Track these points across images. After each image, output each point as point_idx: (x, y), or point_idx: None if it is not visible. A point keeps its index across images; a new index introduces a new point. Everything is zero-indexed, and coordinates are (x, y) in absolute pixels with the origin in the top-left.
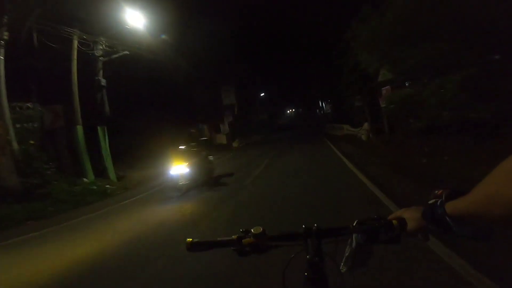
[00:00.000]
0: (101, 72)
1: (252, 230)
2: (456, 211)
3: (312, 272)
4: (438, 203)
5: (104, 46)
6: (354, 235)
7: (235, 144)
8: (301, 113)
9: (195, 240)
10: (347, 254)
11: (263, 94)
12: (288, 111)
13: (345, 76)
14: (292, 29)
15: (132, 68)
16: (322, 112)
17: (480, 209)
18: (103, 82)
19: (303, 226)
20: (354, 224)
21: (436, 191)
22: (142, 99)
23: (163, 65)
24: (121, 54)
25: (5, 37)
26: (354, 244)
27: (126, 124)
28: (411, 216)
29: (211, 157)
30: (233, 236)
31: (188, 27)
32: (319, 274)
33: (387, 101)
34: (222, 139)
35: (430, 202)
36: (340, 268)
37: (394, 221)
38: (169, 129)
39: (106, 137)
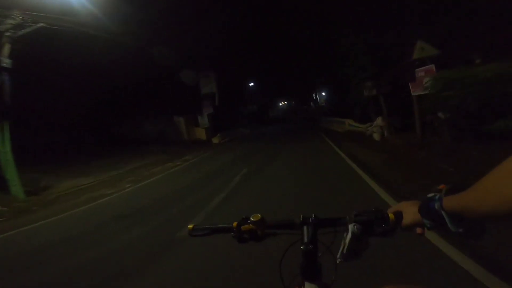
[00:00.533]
0: (4, 50)
1: (252, 218)
2: (453, 205)
3: (306, 261)
4: (436, 197)
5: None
6: (350, 226)
7: (215, 140)
8: (294, 105)
9: (196, 225)
10: (342, 245)
11: (252, 84)
12: (281, 104)
13: (352, 60)
14: (286, 5)
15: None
16: (316, 105)
17: (477, 204)
18: (6, 63)
19: (301, 215)
20: (351, 215)
21: (438, 186)
22: (93, 89)
23: (123, 47)
24: (34, 27)
25: None
26: (349, 235)
27: (68, 120)
28: (408, 210)
29: None
30: (233, 223)
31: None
32: (313, 262)
33: (433, 86)
34: (201, 133)
35: (429, 196)
36: (336, 258)
37: (391, 215)
38: (132, 123)
39: (6, 137)
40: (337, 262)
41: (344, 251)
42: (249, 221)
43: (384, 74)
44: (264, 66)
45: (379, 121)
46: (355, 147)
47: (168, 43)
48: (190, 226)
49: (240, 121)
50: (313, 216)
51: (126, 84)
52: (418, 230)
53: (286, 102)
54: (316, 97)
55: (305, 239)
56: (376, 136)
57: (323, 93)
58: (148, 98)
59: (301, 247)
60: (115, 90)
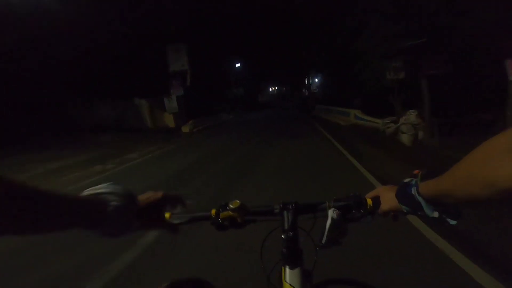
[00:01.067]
0: None
1: (231, 205)
2: (429, 190)
3: (287, 247)
4: (413, 182)
5: None
6: (329, 212)
7: (185, 129)
8: (285, 91)
9: (174, 213)
10: (323, 232)
11: (239, 65)
12: (271, 89)
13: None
14: None
15: None
16: (308, 91)
17: (454, 188)
18: None
19: (281, 201)
20: (330, 201)
21: (414, 171)
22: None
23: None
24: None
25: None
26: (329, 221)
27: None
28: (386, 195)
29: None
30: (212, 210)
31: None
32: (293, 249)
33: None
34: (169, 120)
35: (405, 180)
36: (316, 244)
37: (368, 200)
38: (86, 106)
39: None
40: (317, 249)
41: (325, 238)
42: (228, 208)
43: (437, 47)
44: (253, 44)
45: (411, 117)
46: (378, 155)
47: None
48: (167, 214)
49: (223, 105)
50: (293, 202)
51: (76, 61)
52: (393, 216)
53: (276, 88)
54: (308, 83)
55: (286, 226)
56: (406, 139)
57: (316, 80)
58: (105, 77)
59: (282, 233)
60: (62, 68)
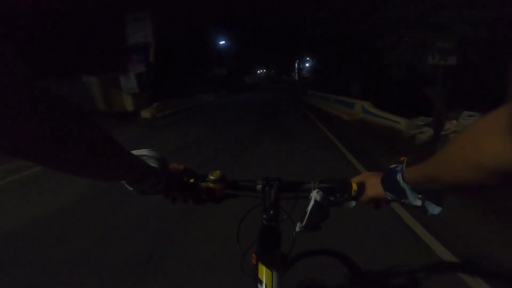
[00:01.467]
0: None
1: (211, 176)
2: (414, 176)
3: (266, 227)
4: (398, 168)
5: None
6: (313, 193)
7: (145, 114)
8: (273, 74)
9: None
10: (304, 213)
11: (223, 42)
12: (259, 71)
13: None
14: None
15: None
16: (299, 75)
17: (439, 172)
18: None
19: (264, 177)
20: (315, 182)
21: (401, 158)
22: None
23: None
24: None
25: None
26: (312, 202)
27: None
28: (371, 180)
29: None
30: (190, 180)
31: None
32: (272, 229)
33: None
34: (128, 102)
35: (391, 167)
36: (296, 226)
37: (354, 184)
38: None
39: None
40: (297, 230)
41: (305, 220)
42: (207, 179)
43: None
44: (241, 20)
45: (469, 122)
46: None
47: None
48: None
49: (204, 86)
50: (277, 178)
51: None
52: (376, 204)
53: (264, 70)
54: (299, 66)
55: (267, 203)
56: None
57: (307, 64)
58: (46, 50)
59: (262, 213)
60: None
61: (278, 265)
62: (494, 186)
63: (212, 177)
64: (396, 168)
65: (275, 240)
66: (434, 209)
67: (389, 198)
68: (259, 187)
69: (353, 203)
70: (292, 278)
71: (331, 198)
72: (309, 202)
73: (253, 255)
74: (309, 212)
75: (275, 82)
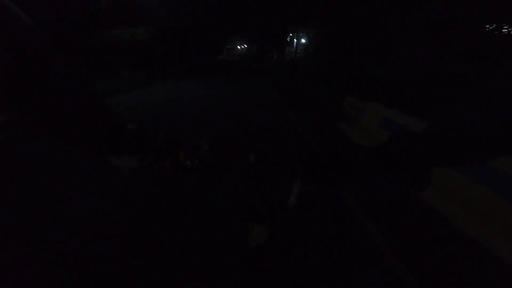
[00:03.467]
0: None
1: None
2: (405, 148)
3: (257, 201)
4: (392, 140)
5: None
6: (296, 181)
7: None
8: (256, 51)
9: None
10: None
11: None
12: (239, 47)
13: None
14: None
15: None
16: (295, 53)
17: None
18: None
19: (253, 155)
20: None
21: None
22: None
23: None
24: None
25: None
26: (299, 185)
27: None
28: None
29: None
30: (180, 153)
31: None
32: (264, 204)
33: None
34: None
35: (383, 143)
36: (287, 202)
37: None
38: None
39: None
40: (287, 204)
41: (294, 198)
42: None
43: None
44: None
45: None
46: None
47: None
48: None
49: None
50: (268, 155)
51: None
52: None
53: (245, 46)
54: (295, 42)
55: (256, 179)
56: None
57: (303, 40)
58: None
59: (253, 186)
60: None
61: (269, 239)
62: None
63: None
64: (391, 140)
65: (265, 214)
66: (421, 186)
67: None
68: (251, 161)
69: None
70: None
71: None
72: (297, 185)
73: (245, 230)
74: (297, 192)
75: (257, 60)
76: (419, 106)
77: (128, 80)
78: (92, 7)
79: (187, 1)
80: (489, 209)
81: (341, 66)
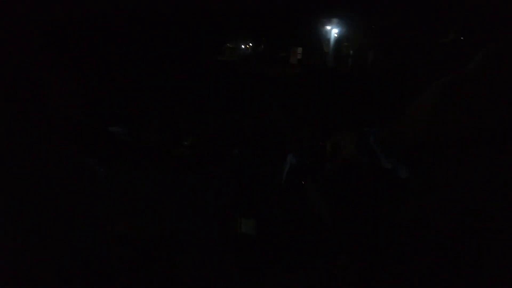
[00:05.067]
0: None
1: (185, 142)
2: (385, 135)
3: (244, 192)
4: (373, 129)
5: None
6: (288, 156)
7: None
8: (263, 51)
9: None
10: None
11: None
12: (244, 46)
13: None
14: None
15: None
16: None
17: (405, 126)
18: None
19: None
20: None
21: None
22: None
23: None
24: None
25: None
26: (287, 165)
27: None
28: (345, 141)
29: None
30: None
31: None
32: (252, 196)
33: None
34: None
35: (365, 129)
36: (275, 192)
37: (328, 145)
38: None
39: None
40: (280, 184)
41: (283, 181)
42: (185, 143)
43: None
44: None
45: None
46: None
47: None
48: None
49: None
50: (254, 144)
51: None
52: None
53: (251, 44)
54: (331, 37)
55: (243, 170)
56: None
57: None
58: None
59: (239, 178)
60: None
61: (259, 232)
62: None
63: (186, 143)
64: (371, 129)
65: (254, 206)
66: (404, 173)
67: (362, 160)
68: (235, 153)
69: (329, 166)
70: None
71: (306, 162)
72: (285, 165)
73: (234, 224)
74: (285, 175)
75: (266, 63)
76: None
77: None
78: None
79: None
80: None
81: None
